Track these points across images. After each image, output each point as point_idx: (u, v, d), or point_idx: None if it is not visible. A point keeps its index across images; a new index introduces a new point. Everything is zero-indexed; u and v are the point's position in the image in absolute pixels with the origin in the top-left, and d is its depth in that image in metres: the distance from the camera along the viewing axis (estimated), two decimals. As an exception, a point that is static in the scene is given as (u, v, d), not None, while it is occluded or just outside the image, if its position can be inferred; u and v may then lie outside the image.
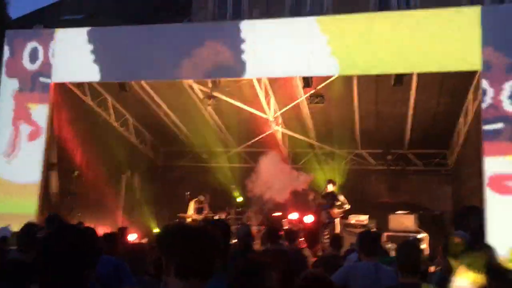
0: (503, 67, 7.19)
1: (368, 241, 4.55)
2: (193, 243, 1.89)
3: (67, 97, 9.71)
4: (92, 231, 2.30)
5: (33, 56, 9.15)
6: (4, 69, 9.29)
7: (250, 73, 8.45)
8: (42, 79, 9.06)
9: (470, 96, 9.20)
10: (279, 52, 8.09)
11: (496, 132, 7.13)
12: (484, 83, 7.25)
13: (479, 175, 7.69)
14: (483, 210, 7.14)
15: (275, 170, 11.05)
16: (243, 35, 8.25)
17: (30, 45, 9.21)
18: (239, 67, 8.19)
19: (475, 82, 8.45)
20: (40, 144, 8.92)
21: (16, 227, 6.16)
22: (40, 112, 9.01)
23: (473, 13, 7.64)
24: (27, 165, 8.85)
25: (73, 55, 9.00)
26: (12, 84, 9.20)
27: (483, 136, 7.20)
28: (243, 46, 8.16)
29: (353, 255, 5.34)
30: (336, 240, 6.95)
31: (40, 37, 9.34)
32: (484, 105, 7.23)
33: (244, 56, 8.14)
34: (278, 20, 8.99)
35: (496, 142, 7.09)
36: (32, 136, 8.96)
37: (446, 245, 4.33)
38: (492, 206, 6.98)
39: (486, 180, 7.06)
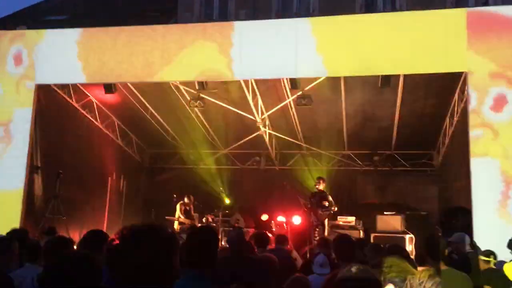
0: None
1: (345, 246, 4.42)
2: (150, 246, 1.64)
3: (52, 99, 9.57)
4: (91, 258, 2.19)
5: (17, 59, 8.99)
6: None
7: (238, 75, 8.41)
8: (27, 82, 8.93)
9: (456, 97, 9.28)
10: (267, 54, 8.07)
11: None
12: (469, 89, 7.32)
13: (465, 176, 7.75)
14: (471, 211, 7.20)
15: None
16: (230, 36, 8.21)
17: (14, 48, 9.06)
18: (226, 69, 8.15)
19: (461, 83, 8.52)
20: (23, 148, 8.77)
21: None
22: (24, 115, 8.87)
23: (459, 15, 7.71)
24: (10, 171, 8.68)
25: (57, 56, 8.87)
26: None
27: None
28: (230, 48, 8.12)
29: (319, 257, 5.22)
30: (325, 242, 6.83)
31: (24, 38, 9.19)
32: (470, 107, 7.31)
33: (231, 58, 8.11)
34: (266, 21, 8.97)
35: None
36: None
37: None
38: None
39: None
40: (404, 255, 3.87)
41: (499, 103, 7.23)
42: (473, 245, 5.86)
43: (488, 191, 7.05)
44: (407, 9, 12.57)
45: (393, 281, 2.45)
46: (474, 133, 7.24)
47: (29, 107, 8.85)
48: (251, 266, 3.63)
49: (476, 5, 12.30)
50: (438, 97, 9.77)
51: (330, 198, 9.91)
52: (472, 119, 7.29)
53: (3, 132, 8.90)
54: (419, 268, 5.23)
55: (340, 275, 2.10)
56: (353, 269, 2.10)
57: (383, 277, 2.45)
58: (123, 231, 1.71)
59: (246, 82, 9.44)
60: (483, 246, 6.24)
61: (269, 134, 12.12)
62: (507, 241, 6.39)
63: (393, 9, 13.61)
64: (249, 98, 9.88)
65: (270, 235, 7.87)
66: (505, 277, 4.74)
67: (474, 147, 7.21)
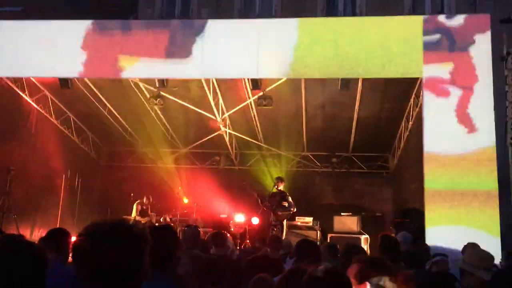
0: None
1: (306, 247, 4.52)
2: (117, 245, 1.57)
3: (3, 92, 9.19)
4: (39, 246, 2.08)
5: None
6: None
7: (199, 74, 8.35)
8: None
9: (412, 102, 9.56)
10: (229, 53, 8.05)
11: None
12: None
13: (419, 178, 8.00)
14: (423, 212, 7.44)
15: None
16: (192, 33, 8.14)
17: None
18: (188, 67, 8.09)
19: (416, 88, 8.79)
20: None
21: None
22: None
23: (416, 22, 7.95)
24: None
25: (9, 48, 8.52)
26: None
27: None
28: (192, 45, 8.06)
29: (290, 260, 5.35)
30: (274, 241, 6.75)
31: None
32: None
33: (193, 56, 8.04)
34: (229, 21, 8.95)
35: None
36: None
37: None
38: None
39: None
40: (361, 252, 3.94)
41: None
42: (419, 244, 6.06)
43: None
44: (367, 14, 12.85)
45: (370, 280, 2.48)
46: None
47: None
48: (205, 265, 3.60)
49: (432, 12, 12.70)
50: (394, 102, 10.05)
51: (290, 199, 9.98)
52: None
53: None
54: None
55: (308, 275, 2.09)
56: (322, 269, 2.09)
57: (360, 274, 2.48)
58: (91, 227, 1.64)
59: (207, 81, 9.38)
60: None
61: (229, 134, 12.10)
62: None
63: (353, 13, 13.87)
64: (210, 97, 9.83)
65: (228, 234, 7.84)
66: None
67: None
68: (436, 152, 7.32)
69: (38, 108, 10.44)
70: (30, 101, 10.10)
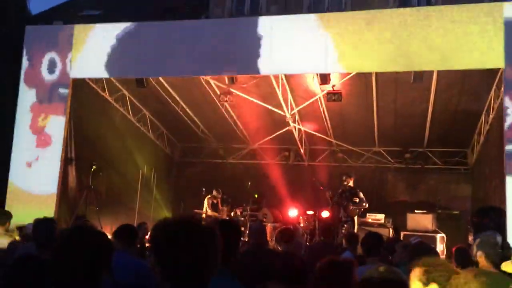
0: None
1: (370, 242, 4.66)
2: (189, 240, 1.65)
3: (86, 92, 9.78)
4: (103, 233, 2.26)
5: (51, 67, 9.20)
6: (22, 79, 9.35)
7: (268, 70, 8.40)
8: (61, 90, 9.12)
9: (492, 94, 9.01)
10: (297, 49, 8.03)
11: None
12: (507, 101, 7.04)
13: (499, 175, 7.53)
14: (504, 211, 7.00)
15: None
16: (260, 31, 8.21)
17: (48, 56, 9.25)
18: (256, 64, 8.16)
19: (497, 79, 8.27)
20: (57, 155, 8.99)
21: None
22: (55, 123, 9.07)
23: (496, 8, 7.47)
24: (44, 177, 8.88)
25: (92, 50, 9.04)
26: (30, 95, 9.27)
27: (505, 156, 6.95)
28: (260, 42, 8.12)
29: (346, 253, 5.35)
30: (352, 238, 6.80)
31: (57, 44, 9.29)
32: (506, 124, 7.01)
33: (261, 53, 8.11)
34: (296, 16, 8.90)
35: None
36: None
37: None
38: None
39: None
40: (432, 253, 3.77)
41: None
42: (504, 246, 5.66)
43: None
44: (442, 4, 12.26)
45: (436, 280, 2.39)
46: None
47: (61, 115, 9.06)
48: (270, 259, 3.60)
49: None
50: (473, 94, 9.51)
51: (361, 195, 9.80)
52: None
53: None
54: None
55: (367, 274, 2.07)
56: (381, 269, 2.07)
57: (426, 276, 2.39)
58: (161, 224, 1.73)
59: (276, 77, 9.42)
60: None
61: (299, 129, 12.08)
62: None
63: (428, 3, 13.32)
64: (279, 93, 9.86)
65: (299, 229, 7.85)
66: None
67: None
68: None
69: (117, 106, 11.01)
70: (110, 100, 10.66)
